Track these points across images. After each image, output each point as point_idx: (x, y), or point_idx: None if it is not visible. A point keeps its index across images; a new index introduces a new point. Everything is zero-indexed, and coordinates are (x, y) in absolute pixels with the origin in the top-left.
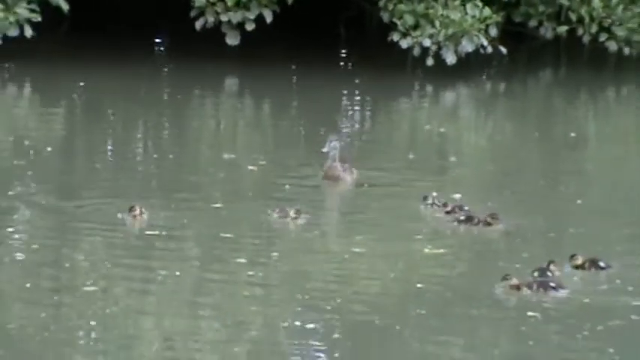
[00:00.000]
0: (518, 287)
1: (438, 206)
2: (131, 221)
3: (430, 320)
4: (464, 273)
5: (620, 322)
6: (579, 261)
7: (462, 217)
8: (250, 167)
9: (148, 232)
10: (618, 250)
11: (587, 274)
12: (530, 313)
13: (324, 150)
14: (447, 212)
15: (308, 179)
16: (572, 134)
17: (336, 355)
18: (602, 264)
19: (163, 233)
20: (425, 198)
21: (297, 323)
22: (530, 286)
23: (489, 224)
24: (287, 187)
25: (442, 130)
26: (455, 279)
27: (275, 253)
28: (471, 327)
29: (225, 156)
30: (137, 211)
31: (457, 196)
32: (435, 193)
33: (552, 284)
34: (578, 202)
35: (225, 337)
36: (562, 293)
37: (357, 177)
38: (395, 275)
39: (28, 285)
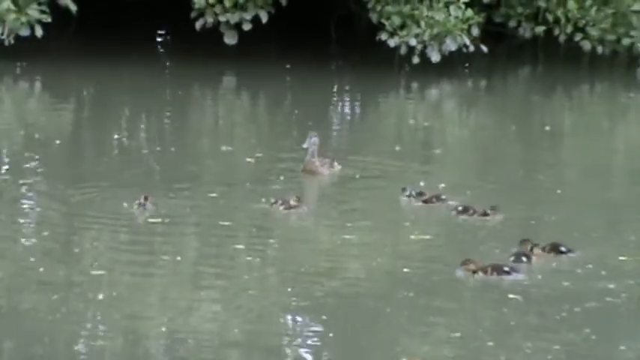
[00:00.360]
0: (475, 271)
1: (419, 194)
2: (135, 210)
3: (417, 302)
4: (448, 257)
5: (595, 304)
6: (529, 245)
7: (460, 208)
8: (247, 159)
9: (151, 220)
10: (594, 236)
11: (559, 258)
12: (511, 296)
13: (304, 146)
14: (424, 202)
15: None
16: (547, 127)
17: (330, 335)
18: (562, 248)
19: (166, 221)
20: (404, 190)
21: (292, 305)
22: (485, 271)
23: (487, 215)
24: (282, 178)
25: (427, 124)
26: (439, 263)
27: (271, 240)
28: (455, 308)
29: (224, 148)
30: (141, 201)
31: (441, 185)
32: (422, 183)
33: (506, 268)
34: (558, 191)
35: (223, 319)
36: (515, 277)
37: (338, 171)
38: (383, 260)
39: (40, 270)
